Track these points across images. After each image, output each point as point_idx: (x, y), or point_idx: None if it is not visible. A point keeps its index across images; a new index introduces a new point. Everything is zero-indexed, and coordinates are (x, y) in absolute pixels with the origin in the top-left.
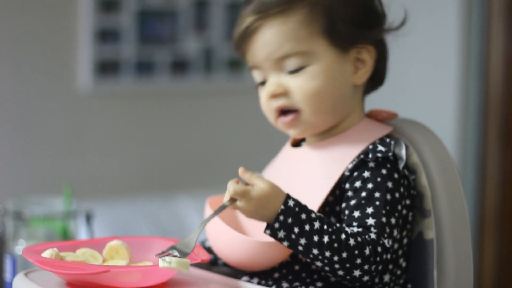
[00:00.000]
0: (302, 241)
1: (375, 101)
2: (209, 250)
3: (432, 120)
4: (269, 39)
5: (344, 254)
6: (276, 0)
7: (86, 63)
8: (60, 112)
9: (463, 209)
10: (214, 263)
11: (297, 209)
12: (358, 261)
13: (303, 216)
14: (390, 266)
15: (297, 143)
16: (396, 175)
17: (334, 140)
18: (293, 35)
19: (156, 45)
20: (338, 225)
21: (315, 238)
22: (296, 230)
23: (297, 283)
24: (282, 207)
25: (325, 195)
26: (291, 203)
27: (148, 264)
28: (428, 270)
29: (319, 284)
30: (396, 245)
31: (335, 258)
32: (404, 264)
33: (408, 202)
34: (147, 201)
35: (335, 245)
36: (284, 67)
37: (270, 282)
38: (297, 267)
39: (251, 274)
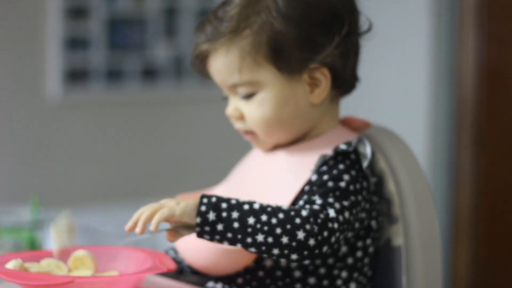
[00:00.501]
0: (235, 214)
1: (345, 106)
2: (174, 259)
3: (403, 125)
4: (218, 68)
5: (281, 215)
6: (223, 29)
7: (55, 72)
8: (29, 121)
9: (432, 214)
10: (181, 272)
11: (214, 196)
12: (297, 220)
13: (223, 197)
14: (355, 275)
15: None
16: (353, 172)
17: (302, 146)
18: (237, 66)
19: (126, 53)
20: None
21: (246, 207)
22: (224, 205)
23: None
24: (202, 194)
25: (292, 199)
26: (207, 194)
27: (113, 273)
28: (396, 277)
29: None
30: (360, 253)
31: (273, 220)
32: (369, 273)
33: (367, 206)
34: (116, 210)
35: (269, 209)
36: (238, 92)
37: None
38: (261, 273)
39: (216, 279)
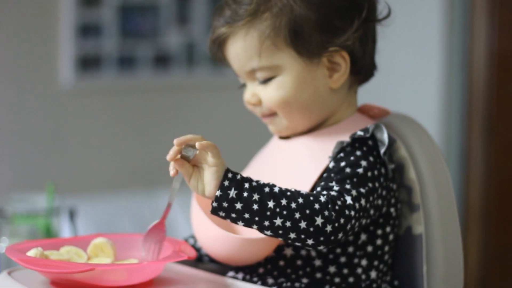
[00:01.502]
0: (255, 196)
1: (358, 95)
2: (194, 247)
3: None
4: (237, 53)
5: (301, 200)
6: (242, 12)
7: (67, 59)
8: (42, 108)
9: (452, 203)
10: (200, 260)
11: (238, 173)
12: (316, 206)
13: (245, 176)
14: (376, 263)
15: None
16: (371, 158)
17: (320, 133)
18: (256, 50)
19: (138, 40)
20: None
21: (266, 189)
22: (246, 185)
23: (282, 279)
24: (227, 168)
25: (311, 186)
26: (233, 170)
27: (133, 261)
28: (417, 265)
29: (304, 280)
30: (379, 241)
31: (293, 205)
32: (390, 261)
33: (384, 193)
34: (131, 197)
35: (288, 193)
36: (256, 77)
37: (255, 278)
38: (282, 263)
39: (237, 269)
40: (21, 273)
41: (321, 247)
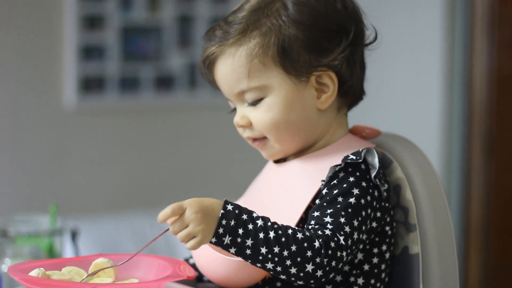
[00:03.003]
0: (249, 242)
1: (359, 113)
2: (194, 267)
3: (417, 132)
4: (225, 74)
5: (294, 247)
6: (232, 31)
7: (71, 80)
8: (45, 129)
9: (448, 222)
10: (200, 280)
11: (237, 211)
12: (309, 253)
13: (244, 216)
14: (372, 281)
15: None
16: (364, 183)
17: (313, 155)
18: (245, 71)
19: (140, 61)
20: (283, 224)
21: (261, 235)
22: (240, 231)
23: None
24: (222, 211)
25: (303, 210)
26: (229, 207)
27: (134, 281)
28: (414, 285)
29: None
30: (376, 259)
31: (285, 253)
32: (387, 279)
33: (378, 214)
34: (133, 217)
35: (283, 239)
36: (245, 99)
37: None
38: (278, 284)
39: None
40: None
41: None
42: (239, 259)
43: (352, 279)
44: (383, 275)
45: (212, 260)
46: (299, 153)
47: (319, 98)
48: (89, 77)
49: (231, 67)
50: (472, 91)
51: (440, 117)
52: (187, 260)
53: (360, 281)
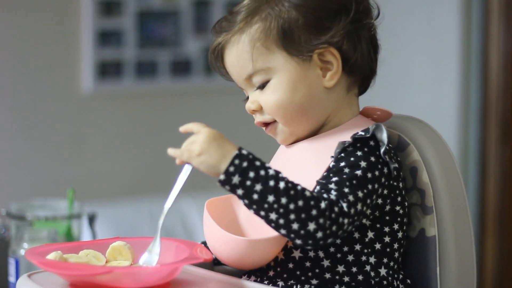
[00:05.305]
0: (258, 186)
1: (374, 99)
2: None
3: (434, 118)
4: (232, 62)
5: (300, 203)
6: (235, 20)
7: (88, 65)
8: (63, 114)
9: (464, 205)
10: (217, 263)
11: (251, 156)
12: (314, 212)
13: (258, 162)
14: (385, 260)
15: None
16: (372, 158)
17: (322, 135)
18: (249, 55)
19: (157, 46)
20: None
21: (271, 183)
22: (251, 174)
23: (292, 281)
24: (237, 152)
25: (314, 186)
26: (244, 151)
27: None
28: (431, 267)
29: (313, 281)
30: (388, 239)
31: (291, 206)
32: (400, 259)
33: (385, 192)
34: (149, 202)
35: (291, 192)
36: (253, 83)
37: (266, 281)
38: (291, 265)
39: (249, 273)
40: (41, 276)
41: (307, 248)
42: (250, 238)
43: (364, 258)
44: (396, 254)
45: (224, 242)
46: (309, 136)
47: (324, 76)
48: (106, 62)
49: (236, 54)
50: (489, 76)
51: (457, 104)
52: (204, 243)
53: (372, 259)
